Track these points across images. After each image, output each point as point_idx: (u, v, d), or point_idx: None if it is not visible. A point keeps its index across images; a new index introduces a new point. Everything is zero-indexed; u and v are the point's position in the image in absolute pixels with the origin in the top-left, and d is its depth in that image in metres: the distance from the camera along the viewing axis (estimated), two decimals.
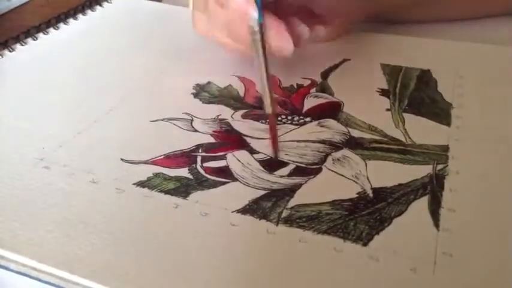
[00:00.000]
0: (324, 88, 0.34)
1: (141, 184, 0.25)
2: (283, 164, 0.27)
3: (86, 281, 0.21)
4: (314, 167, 0.27)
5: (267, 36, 0.29)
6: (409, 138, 0.29)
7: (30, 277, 0.21)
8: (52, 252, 0.22)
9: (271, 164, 0.27)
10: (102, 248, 0.22)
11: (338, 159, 0.27)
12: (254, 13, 0.28)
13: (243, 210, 0.24)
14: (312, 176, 0.26)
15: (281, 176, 0.26)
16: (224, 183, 0.26)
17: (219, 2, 0.31)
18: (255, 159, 0.27)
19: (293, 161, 0.27)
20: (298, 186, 0.25)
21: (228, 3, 0.30)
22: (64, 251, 0.22)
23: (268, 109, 0.27)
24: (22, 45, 0.39)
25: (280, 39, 0.29)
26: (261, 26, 0.28)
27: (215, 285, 0.21)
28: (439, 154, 0.28)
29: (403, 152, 0.28)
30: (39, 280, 0.21)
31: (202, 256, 0.22)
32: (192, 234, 0.23)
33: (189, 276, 0.21)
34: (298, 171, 0.27)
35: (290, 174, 0.26)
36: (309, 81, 0.35)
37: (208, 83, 0.35)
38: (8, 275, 0.22)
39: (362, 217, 0.24)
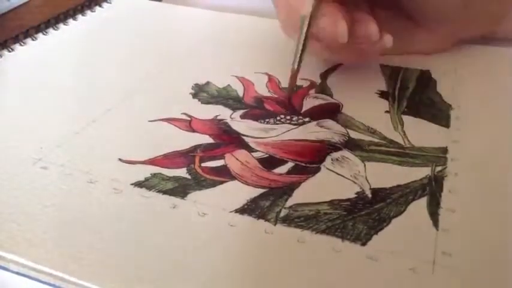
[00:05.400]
0: (323, 89, 0.34)
1: (139, 184, 0.25)
2: (282, 162, 0.27)
3: (84, 281, 0.20)
4: (313, 166, 0.27)
5: (320, 22, 0.29)
6: (408, 141, 0.29)
7: (29, 277, 0.21)
8: (50, 253, 0.22)
9: (270, 162, 0.27)
10: (100, 249, 0.22)
11: (337, 159, 0.27)
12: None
13: (241, 210, 0.24)
14: (310, 175, 0.26)
15: (280, 174, 0.26)
16: (222, 182, 0.26)
17: None
18: (254, 157, 0.27)
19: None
20: (297, 185, 0.25)
21: None
22: (62, 252, 0.22)
23: (294, 66, 0.30)
24: (21, 45, 0.39)
25: (334, 20, 0.29)
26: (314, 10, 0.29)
27: (213, 285, 0.20)
28: (438, 156, 0.28)
29: (402, 154, 0.28)
30: (39, 281, 0.21)
31: (201, 256, 0.22)
32: (190, 235, 0.23)
33: (187, 277, 0.21)
34: (297, 169, 0.26)
35: (289, 172, 0.26)
36: (308, 82, 0.35)
37: (207, 83, 0.35)
38: (7, 276, 0.22)
39: (361, 217, 0.23)
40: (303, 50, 0.30)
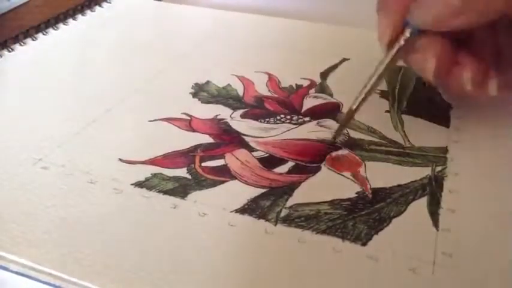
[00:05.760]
0: (323, 89, 0.34)
1: (139, 184, 0.25)
2: (282, 161, 0.27)
3: (84, 281, 0.20)
4: (313, 165, 0.27)
5: (412, 53, 0.27)
6: (408, 141, 0.29)
7: (29, 277, 0.21)
8: (50, 253, 0.22)
9: (270, 161, 0.27)
10: (100, 249, 0.22)
11: (337, 159, 0.27)
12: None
13: (242, 210, 0.24)
14: (311, 175, 0.26)
15: (280, 174, 0.26)
16: (223, 182, 0.26)
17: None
18: (254, 156, 0.27)
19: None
20: (297, 184, 0.25)
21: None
22: (62, 252, 0.22)
23: (354, 105, 0.28)
24: (21, 45, 0.39)
25: (424, 58, 0.26)
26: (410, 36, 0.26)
27: (213, 285, 0.20)
28: (438, 156, 0.27)
29: (402, 154, 0.28)
30: (39, 281, 0.21)
31: (201, 257, 0.22)
32: (190, 235, 0.23)
33: (187, 277, 0.21)
34: (298, 168, 0.26)
35: (289, 172, 0.26)
36: (308, 82, 0.35)
37: (207, 82, 0.34)
38: (7, 276, 0.22)
39: (361, 217, 0.23)
40: (371, 89, 0.27)
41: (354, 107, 0.28)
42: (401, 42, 0.26)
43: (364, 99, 0.27)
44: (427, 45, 0.26)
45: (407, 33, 0.26)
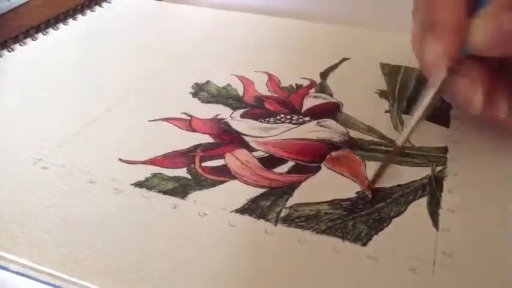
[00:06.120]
0: (323, 89, 0.34)
1: (139, 184, 0.25)
2: (282, 161, 0.27)
3: (84, 281, 0.20)
4: (313, 165, 0.27)
5: (456, 81, 0.24)
6: (408, 140, 0.29)
7: (29, 277, 0.21)
8: (50, 253, 0.22)
9: (270, 161, 0.27)
10: (100, 249, 0.22)
11: (338, 158, 0.27)
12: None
13: (242, 210, 0.24)
14: (311, 175, 0.26)
15: (280, 173, 0.26)
16: (223, 182, 0.26)
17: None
18: (254, 156, 0.27)
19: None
20: (297, 184, 0.25)
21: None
22: (62, 252, 0.22)
23: (400, 141, 0.26)
24: (21, 45, 0.39)
25: (469, 90, 0.24)
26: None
27: (213, 285, 0.20)
28: (438, 156, 0.27)
29: (402, 154, 0.28)
30: (39, 281, 0.21)
31: (201, 257, 0.22)
32: (190, 235, 0.23)
33: (187, 277, 0.21)
34: (298, 168, 0.26)
35: (289, 171, 0.26)
36: (308, 82, 0.35)
37: (207, 82, 0.34)
38: (7, 276, 0.22)
39: (361, 217, 0.23)
40: (416, 125, 0.25)
41: (400, 143, 0.25)
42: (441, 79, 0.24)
43: (411, 133, 0.25)
44: (472, 74, 0.24)
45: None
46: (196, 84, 0.34)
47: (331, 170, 0.26)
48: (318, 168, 0.26)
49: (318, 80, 0.35)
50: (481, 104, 0.24)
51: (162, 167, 0.27)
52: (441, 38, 0.23)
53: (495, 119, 0.25)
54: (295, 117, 0.31)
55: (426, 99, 0.25)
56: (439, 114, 0.31)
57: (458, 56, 0.23)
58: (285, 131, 0.29)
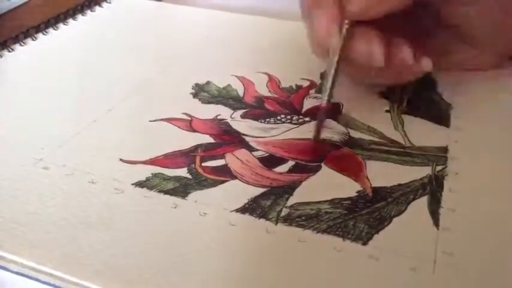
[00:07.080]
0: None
1: (140, 184, 0.25)
2: (283, 160, 0.27)
3: (84, 281, 0.20)
4: (314, 164, 0.27)
5: (354, 44, 0.28)
6: (408, 140, 0.29)
7: (29, 277, 0.21)
8: (51, 253, 0.22)
9: (271, 161, 0.27)
10: (101, 249, 0.22)
11: (338, 158, 0.27)
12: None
13: (242, 209, 0.24)
14: (311, 174, 0.26)
15: (281, 173, 0.26)
16: (223, 181, 0.26)
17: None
18: (254, 156, 0.27)
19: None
20: (298, 184, 0.25)
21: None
22: (63, 252, 0.22)
23: (324, 98, 0.28)
24: (21, 45, 0.39)
25: (368, 46, 0.28)
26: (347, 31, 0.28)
27: (214, 285, 0.20)
28: (438, 155, 0.28)
29: (402, 154, 0.28)
30: (39, 281, 0.21)
31: (201, 256, 0.22)
32: (191, 234, 0.23)
33: (188, 277, 0.21)
34: (298, 167, 0.26)
35: (290, 171, 0.26)
36: (308, 82, 0.35)
37: (208, 82, 0.35)
38: (7, 276, 0.22)
39: (362, 216, 0.23)
40: (333, 83, 0.28)
41: (324, 103, 0.28)
42: (344, 33, 0.28)
43: (330, 94, 0.28)
44: (367, 34, 0.28)
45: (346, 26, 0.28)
46: (197, 84, 0.34)
47: (332, 169, 0.26)
48: (319, 168, 0.26)
49: (318, 80, 0.35)
50: (382, 55, 0.27)
51: (163, 167, 0.27)
52: (326, 9, 0.28)
53: (400, 73, 0.29)
54: (295, 117, 0.31)
55: (331, 68, 0.28)
56: (439, 114, 0.31)
57: (344, 22, 0.28)
58: (285, 131, 0.29)
